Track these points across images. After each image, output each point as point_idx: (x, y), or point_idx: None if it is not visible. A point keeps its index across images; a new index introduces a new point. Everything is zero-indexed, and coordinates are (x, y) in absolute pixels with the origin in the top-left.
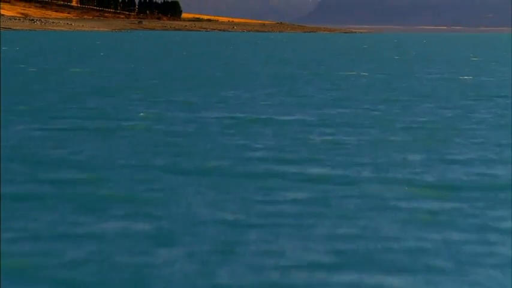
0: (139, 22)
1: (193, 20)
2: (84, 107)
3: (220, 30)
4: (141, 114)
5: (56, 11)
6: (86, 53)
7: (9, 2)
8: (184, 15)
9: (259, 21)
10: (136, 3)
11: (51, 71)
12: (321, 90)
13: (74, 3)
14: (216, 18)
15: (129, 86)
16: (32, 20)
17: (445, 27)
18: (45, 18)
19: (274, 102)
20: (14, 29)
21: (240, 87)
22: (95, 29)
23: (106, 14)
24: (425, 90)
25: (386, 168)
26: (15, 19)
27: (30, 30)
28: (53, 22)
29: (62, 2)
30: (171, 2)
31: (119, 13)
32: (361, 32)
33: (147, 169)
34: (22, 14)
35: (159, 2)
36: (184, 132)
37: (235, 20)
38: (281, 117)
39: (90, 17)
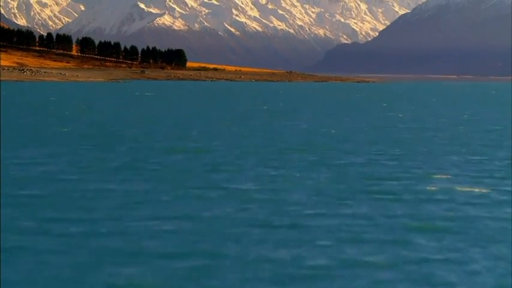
0: (142, 71)
1: (198, 69)
2: None
3: (227, 79)
4: None
5: (55, 61)
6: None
7: (6, 52)
8: (189, 64)
9: (268, 70)
10: (139, 52)
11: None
12: None
13: (74, 52)
14: (223, 67)
15: None
16: (22, 70)
17: (455, 76)
18: (42, 67)
19: None
20: None
21: None
22: (91, 79)
23: (107, 63)
24: None
25: None
26: (4, 69)
27: (17, 81)
28: (45, 72)
29: (61, 51)
30: (176, 50)
31: (121, 62)
32: (374, 82)
33: None
34: (18, 63)
35: (163, 50)
36: None
37: (243, 68)
38: None
39: (90, 67)
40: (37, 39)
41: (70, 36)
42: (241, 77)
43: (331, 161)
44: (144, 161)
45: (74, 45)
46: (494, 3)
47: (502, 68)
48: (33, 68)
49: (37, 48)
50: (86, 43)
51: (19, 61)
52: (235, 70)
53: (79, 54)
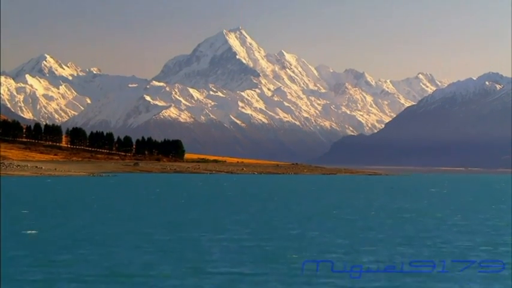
0: (135, 164)
1: (197, 161)
2: None
3: (227, 172)
4: None
5: (42, 153)
6: None
7: None
8: (189, 155)
9: (272, 162)
10: (134, 143)
11: None
12: None
13: (63, 144)
14: (224, 158)
15: None
16: None
17: (463, 169)
18: (26, 161)
19: None
20: None
21: None
22: (70, 173)
23: (98, 155)
24: None
25: None
26: None
27: None
28: (17, 166)
29: (50, 143)
30: (173, 141)
31: (114, 154)
32: (386, 175)
33: None
34: (1, 156)
35: (159, 141)
36: None
37: (245, 160)
38: None
39: (80, 159)
40: (24, 130)
41: (59, 127)
42: (243, 169)
43: None
44: None
45: (63, 137)
46: (500, 95)
47: (509, 160)
48: (5, 162)
49: (24, 139)
50: (76, 134)
51: (3, 154)
52: (237, 162)
53: (69, 145)
